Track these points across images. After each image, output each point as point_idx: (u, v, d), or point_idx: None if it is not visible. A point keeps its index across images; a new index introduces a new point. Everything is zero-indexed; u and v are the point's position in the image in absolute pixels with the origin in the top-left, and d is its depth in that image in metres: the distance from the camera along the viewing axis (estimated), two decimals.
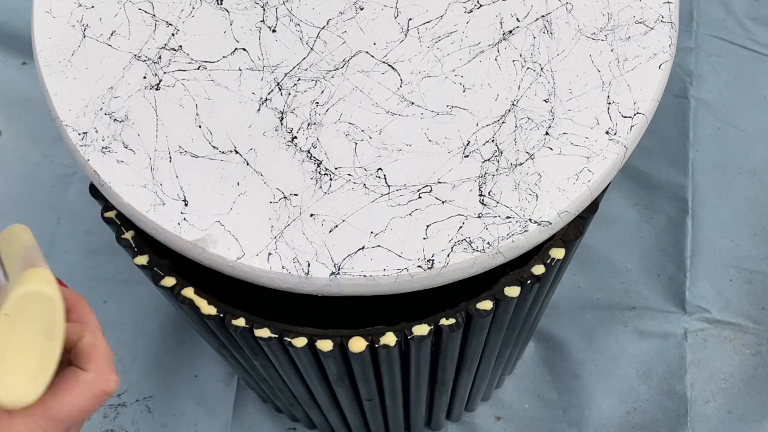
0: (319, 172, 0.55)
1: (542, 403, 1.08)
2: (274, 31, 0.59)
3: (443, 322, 0.59)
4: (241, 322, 0.59)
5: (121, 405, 1.08)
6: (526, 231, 0.53)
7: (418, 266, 0.52)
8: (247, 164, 0.56)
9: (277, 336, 0.58)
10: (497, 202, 0.54)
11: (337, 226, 0.54)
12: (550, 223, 0.54)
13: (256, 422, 1.08)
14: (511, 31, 0.59)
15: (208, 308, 0.59)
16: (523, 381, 1.09)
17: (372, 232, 0.54)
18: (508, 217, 0.54)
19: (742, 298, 1.13)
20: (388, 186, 0.55)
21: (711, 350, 1.10)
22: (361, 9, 0.60)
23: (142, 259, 0.61)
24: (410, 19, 0.59)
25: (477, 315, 0.59)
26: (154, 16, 0.60)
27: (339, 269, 0.53)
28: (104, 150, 0.56)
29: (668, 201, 1.19)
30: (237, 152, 0.56)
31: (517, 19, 0.59)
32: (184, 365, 1.11)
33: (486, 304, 0.59)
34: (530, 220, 0.53)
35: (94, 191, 0.61)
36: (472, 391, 0.94)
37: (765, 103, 1.26)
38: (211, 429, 1.07)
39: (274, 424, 1.08)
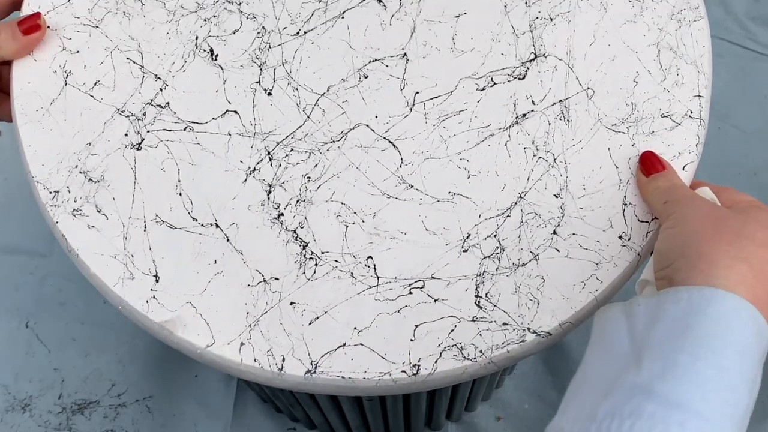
0: (305, 256, 0.51)
1: (542, 403, 1.07)
2: (269, 94, 0.55)
3: None
4: None
5: (121, 405, 1.07)
6: (522, 341, 0.49)
7: (402, 371, 0.48)
8: (227, 240, 0.51)
9: None
10: (494, 306, 0.49)
11: (318, 317, 0.49)
12: (550, 334, 0.49)
13: (256, 422, 1.07)
14: (524, 115, 0.54)
15: None
16: (523, 381, 1.09)
17: (355, 328, 0.49)
18: (504, 324, 0.49)
19: None
20: (378, 277, 0.50)
21: None
22: (366, 77, 0.55)
23: None
24: (417, 93, 0.55)
25: None
26: (142, 67, 0.56)
27: (316, 367, 0.48)
28: (75, 212, 0.52)
29: None
30: (217, 226, 0.52)
31: (533, 101, 0.54)
32: (184, 365, 1.10)
33: None
34: (528, 329, 0.49)
35: None
36: (472, 391, 0.91)
37: (765, 103, 1.24)
38: (211, 429, 1.06)
39: (274, 424, 1.07)
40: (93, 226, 0.51)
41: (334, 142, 0.54)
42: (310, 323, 0.49)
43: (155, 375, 1.09)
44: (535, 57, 0.56)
